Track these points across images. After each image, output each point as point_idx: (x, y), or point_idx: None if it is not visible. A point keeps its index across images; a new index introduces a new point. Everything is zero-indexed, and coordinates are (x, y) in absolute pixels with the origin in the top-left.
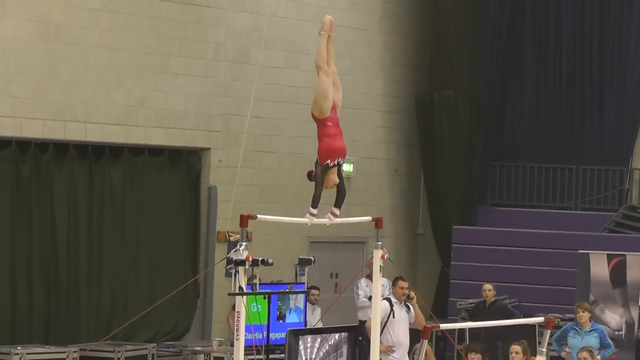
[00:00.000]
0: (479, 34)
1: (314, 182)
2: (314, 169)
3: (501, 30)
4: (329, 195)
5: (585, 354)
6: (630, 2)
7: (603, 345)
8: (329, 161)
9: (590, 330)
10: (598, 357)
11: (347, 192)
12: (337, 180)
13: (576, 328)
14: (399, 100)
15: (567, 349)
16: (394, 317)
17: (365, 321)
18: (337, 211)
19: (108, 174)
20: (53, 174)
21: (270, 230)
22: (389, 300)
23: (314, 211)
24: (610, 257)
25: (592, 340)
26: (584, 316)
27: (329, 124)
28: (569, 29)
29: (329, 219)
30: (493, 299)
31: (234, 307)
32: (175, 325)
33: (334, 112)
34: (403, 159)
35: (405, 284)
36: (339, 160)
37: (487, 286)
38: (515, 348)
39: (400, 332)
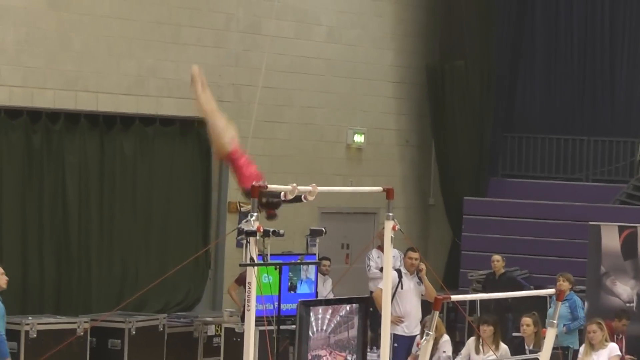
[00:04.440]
0: (490, 4)
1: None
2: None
3: (512, 0)
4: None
5: (594, 327)
6: None
7: (573, 317)
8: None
9: (564, 300)
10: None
11: (358, 163)
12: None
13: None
14: (409, 70)
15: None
16: (402, 288)
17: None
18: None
19: (119, 144)
20: (64, 144)
21: None
22: (398, 271)
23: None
24: (621, 229)
25: (563, 310)
26: (564, 285)
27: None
28: None
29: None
30: (502, 271)
31: (236, 280)
32: (186, 295)
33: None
34: (414, 130)
35: (415, 255)
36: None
37: (496, 257)
38: (526, 320)
39: (408, 304)
